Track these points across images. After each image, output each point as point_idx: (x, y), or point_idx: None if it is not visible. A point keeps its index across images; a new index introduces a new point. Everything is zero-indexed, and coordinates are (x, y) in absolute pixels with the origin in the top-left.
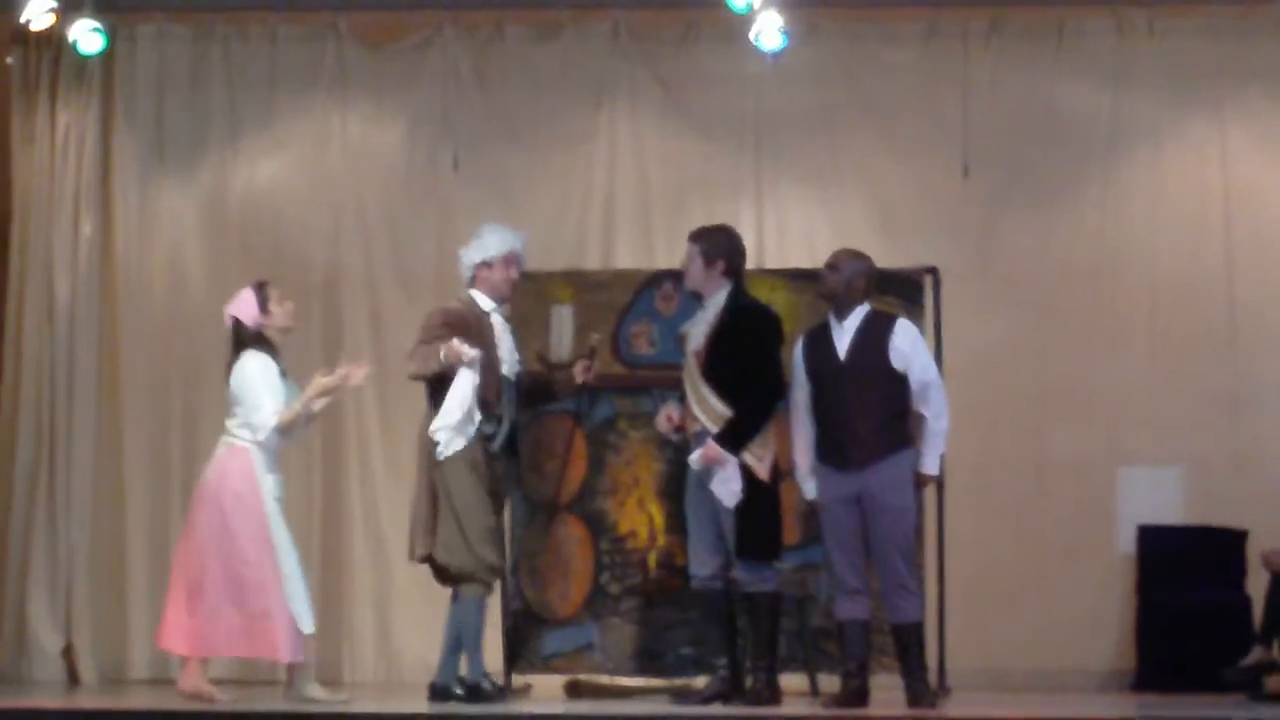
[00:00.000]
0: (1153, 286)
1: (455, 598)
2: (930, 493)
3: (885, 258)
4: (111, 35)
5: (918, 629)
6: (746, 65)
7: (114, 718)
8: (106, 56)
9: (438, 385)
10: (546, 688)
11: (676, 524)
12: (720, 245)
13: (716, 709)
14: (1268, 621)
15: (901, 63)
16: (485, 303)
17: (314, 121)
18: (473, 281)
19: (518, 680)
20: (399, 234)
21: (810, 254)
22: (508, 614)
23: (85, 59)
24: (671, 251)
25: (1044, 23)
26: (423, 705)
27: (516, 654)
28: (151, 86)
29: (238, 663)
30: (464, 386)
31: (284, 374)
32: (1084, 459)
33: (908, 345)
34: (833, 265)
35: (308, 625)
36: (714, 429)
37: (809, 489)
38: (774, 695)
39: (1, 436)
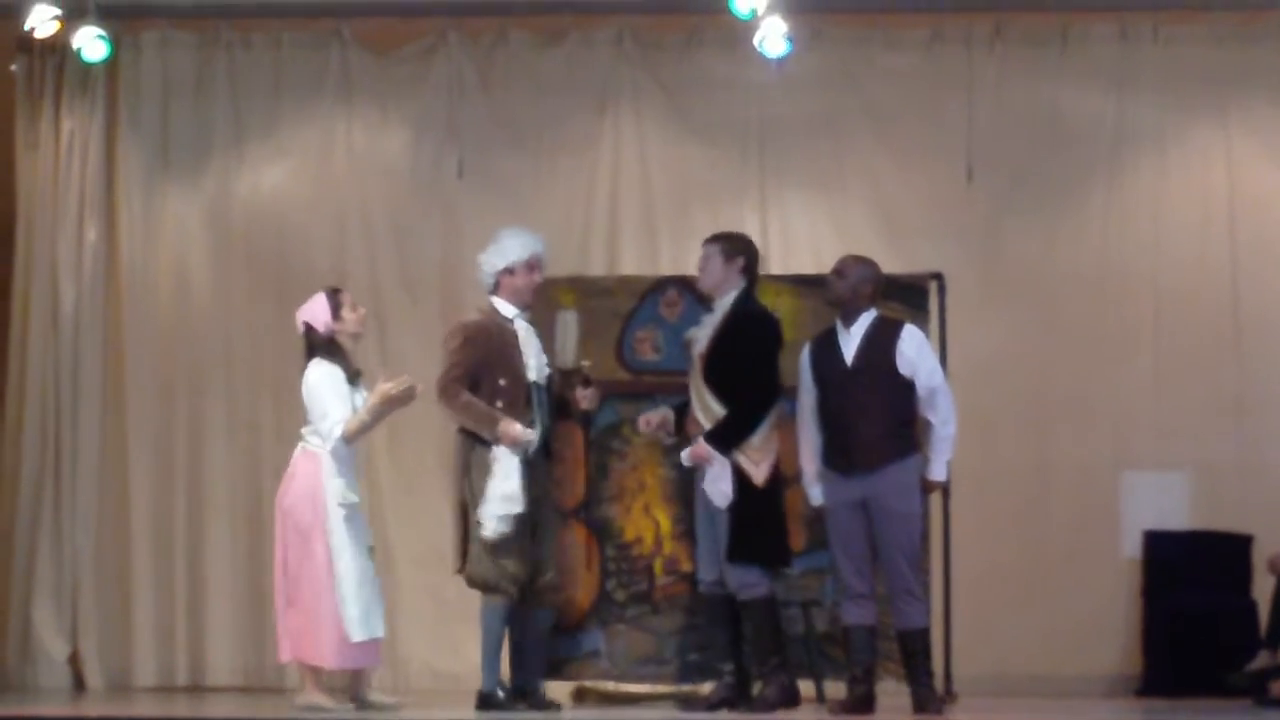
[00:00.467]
0: (1157, 292)
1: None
2: (935, 498)
3: (889, 263)
4: (116, 42)
5: (923, 635)
6: (750, 71)
7: None
8: (111, 63)
9: None
10: (553, 694)
11: (682, 530)
12: (739, 244)
13: (723, 716)
14: (1273, 626)
15: (905, 68)
16: (508, 309)
17: (319, 128)
18: (495, 288)
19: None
20: (404, 240)
21: (814, 259)
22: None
23: (90, 66)
24: (676, 257)
25: (1048, 28)
26: (457, 712)
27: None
28: (156, 93)
29: (241, 670)
30: (510, 471)
31: (355, 379)
32: (1089, 464)
33: (914, 351)
34: (839, 271)
35: (357, 633)
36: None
37: (814, 494)
38: (793, 699)
39: (7, 443)
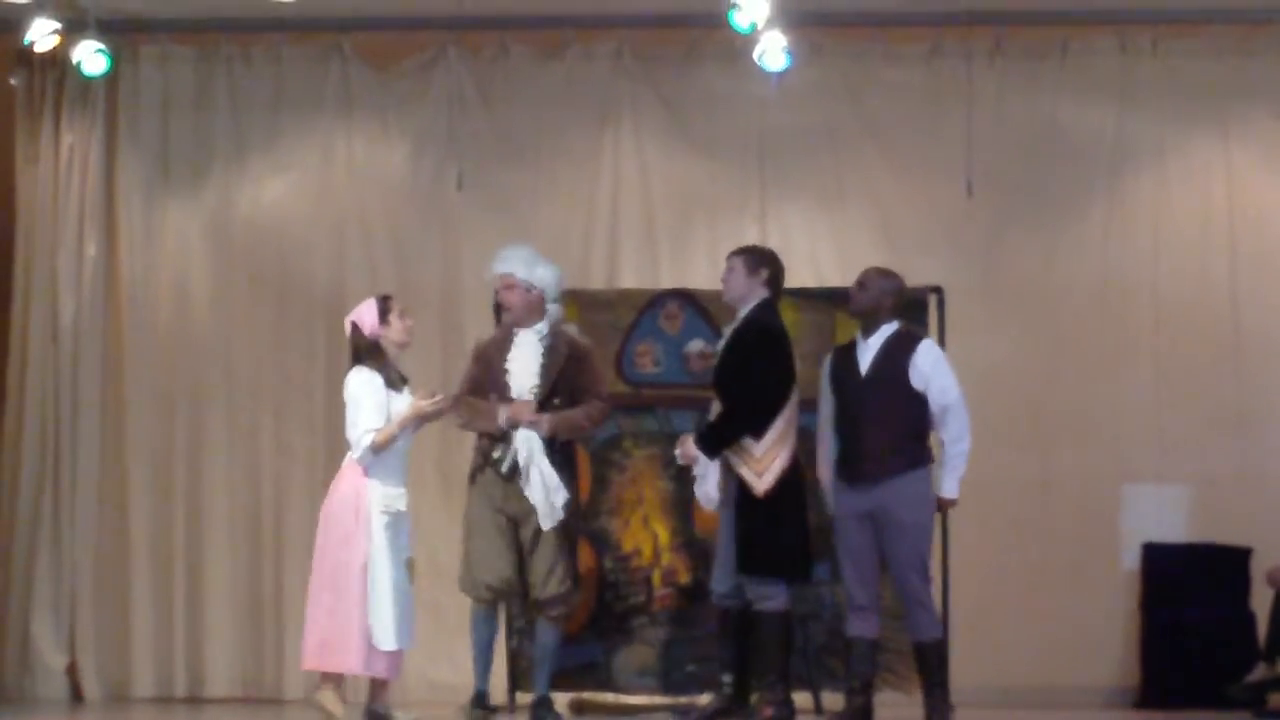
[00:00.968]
0: (1157, 304)
1: None
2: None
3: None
4: (115, 56)
5: (937, 646)
6: (750, 85)
7: None
8: (110, 77)
9: None
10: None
11: (680, 542)
12: (763, 257)
13: None
14: (1272, 639)
15: (905, 82)
16: (509, 324)
17: (319, 142)
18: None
19: (522, 698)
20: (404, 253)
21: (814, 273)
22: (512, 632)
23: (89, 80)
24: (676, 271)
25: (1048, 41)
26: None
27: (521, 672)
28: (156, 107)
29: (239, 681)
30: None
31: (397, 385)
32: (1088, 476)
33: (929, 366)
34: (861, 284)
35: (385, 641)
36: None
37: (830, 504)
38: (789, 714)
39: (6, 455)
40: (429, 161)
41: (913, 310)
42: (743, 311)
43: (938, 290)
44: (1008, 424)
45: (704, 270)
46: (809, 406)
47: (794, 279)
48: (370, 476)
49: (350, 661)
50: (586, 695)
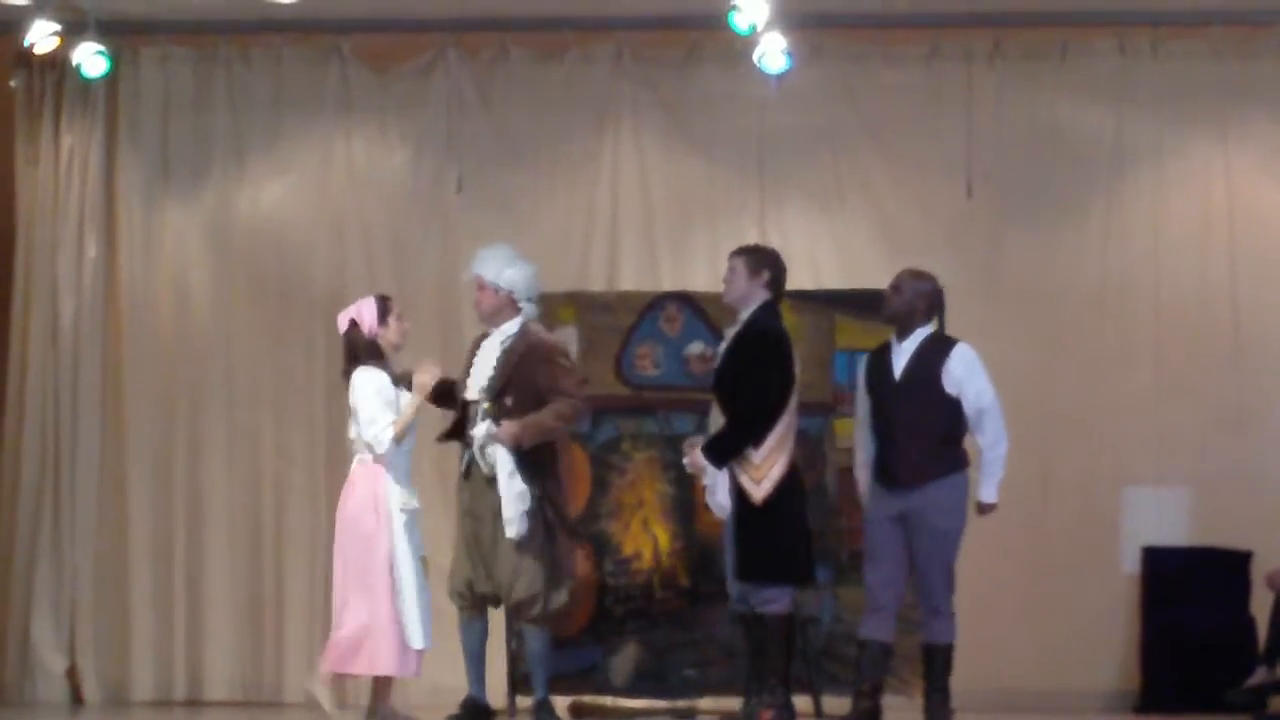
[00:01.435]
0: (1157, 306)
1: None
2: None
3: (889, 278)
4: (115, 58)
5: (946, 651)
6: (750, 87)
7: None
8: (110, 79)
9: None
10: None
11: (681, 545)
12: (766, 257)
13: None
14: (1272, 642)
15: (905, 83)
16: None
17: (318, 144)
18: None
19: (521, 701)
20: (403, 256)
21: (814, 275)
22: (511, 635)
23: (89, 82)
24: (676, 273)
25: (1047, 43)
26: None
27: (520, 675)
28: (155, 109)
29: (239, 684)
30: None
31: (400, 382)
32: (1088, 479)
33: (963, 370)
34: (895, 287)
35: (417, 640)
36: None
37: (865, 505)
38: (790, 717)
39: (6, 457)
40: (428, 163)
41: None
42: (744, 314)
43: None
44: (1007, 425)
45: (704, 272)
46: (810, 410)
47: (794, 281)
48: (387, 476)
49: (384, 663)
50: (586, 699)
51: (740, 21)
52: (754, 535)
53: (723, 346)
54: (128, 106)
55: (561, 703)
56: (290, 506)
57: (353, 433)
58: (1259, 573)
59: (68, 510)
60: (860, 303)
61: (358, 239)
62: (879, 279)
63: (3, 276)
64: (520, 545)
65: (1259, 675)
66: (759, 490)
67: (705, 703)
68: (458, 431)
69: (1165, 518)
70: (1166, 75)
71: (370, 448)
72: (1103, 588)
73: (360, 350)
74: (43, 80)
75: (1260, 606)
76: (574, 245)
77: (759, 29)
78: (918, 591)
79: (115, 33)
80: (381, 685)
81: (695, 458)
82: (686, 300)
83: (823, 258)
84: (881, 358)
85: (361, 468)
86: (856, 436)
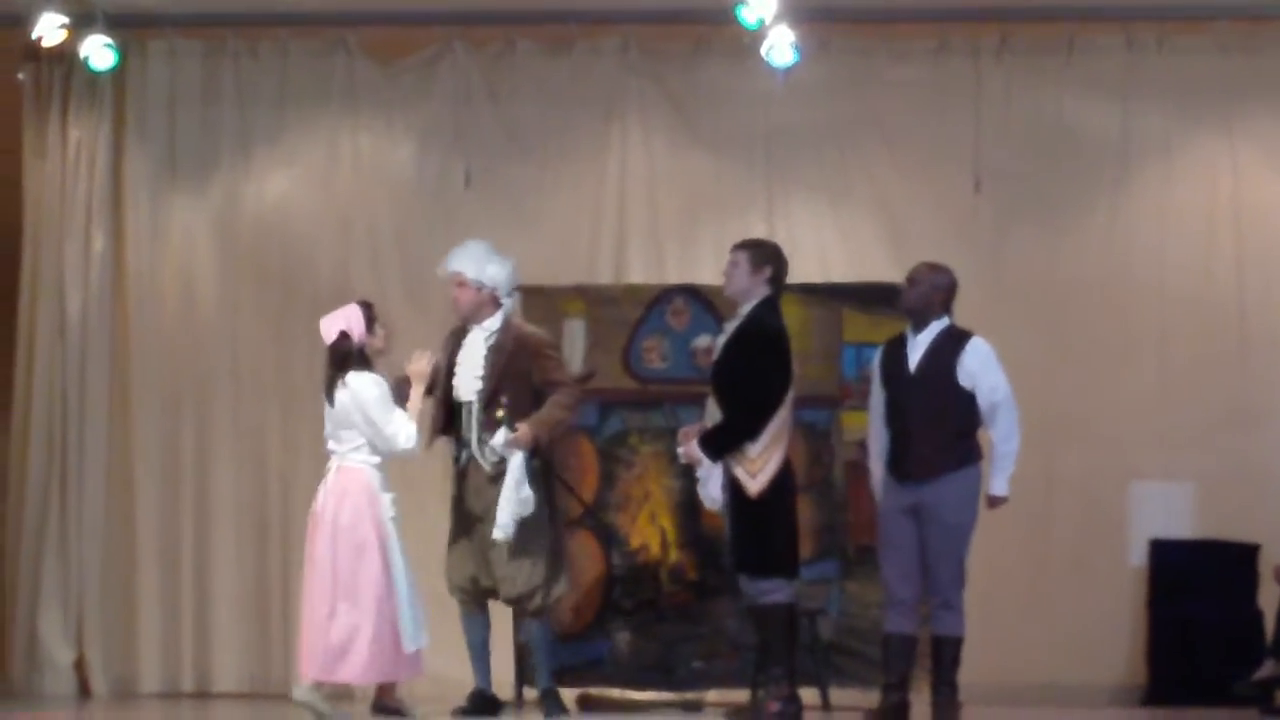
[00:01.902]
0: (1163, 301)
1: None
2: None
3: (896, 273)
4: (123, 51)
5: (955, 644)
6: (757, 81)
7: None
8: (118, 72)
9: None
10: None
11: (688, 538)
12: (768, 253)
13: None
14: (1279, 635)
15: (912, 78)
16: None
17: (325, 137)
18: None
19: (529, 693)
20: (409, 249)
21: (821, 269)
22: (518, 628)
23: (97, 75)
24: (683, 266)
25: (1054, 38)
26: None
27: (528, 667)
28: (163, 102)
29: (246, 677)
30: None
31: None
32: (1095, 473)
33: (977, 364)
34: (912, 280)
35: (410, 642)
36: None
37: (879, 497)
38: (795, 710)
39: (13, 451)
40: (435, 157)
41: None
42: (744, 308)
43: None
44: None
45: (711, 266)
46: (817, 403)
47: (801, 275)
48: (379, 483)
49: (376, 671)
50: (593, 691)
51: (748, 15)
52: (749, 528)
53: (721, 340)
54: (135, 100)
55: (569, 695)
56: (296, 499)
57: (330, 436)
58: (1266, 566)
59: (75, 503)
60: (867, 296)
61: (364, 232)
62: (886, 273)
63: (10, 270)
64: (520, 539)
65: (1266, 668)
66: (754, 483)
67: (712, 695)
68: (447, 428)
69: (1172, 511)
70: (1172, 70)
71: (390, 449)
72: (1109, 581)
73: (350, 358)
74: (50, 73)
75: (1267, 599)
76: (581, 238)
77: (766, 23)
78: (929, 583)
79: (123, 26)
80: (386, 683)
81: (690, 449)
82: (693, 293)
83: (829, 251)
84: (897, 350)
85: (348, 473)
86: (870, 429)
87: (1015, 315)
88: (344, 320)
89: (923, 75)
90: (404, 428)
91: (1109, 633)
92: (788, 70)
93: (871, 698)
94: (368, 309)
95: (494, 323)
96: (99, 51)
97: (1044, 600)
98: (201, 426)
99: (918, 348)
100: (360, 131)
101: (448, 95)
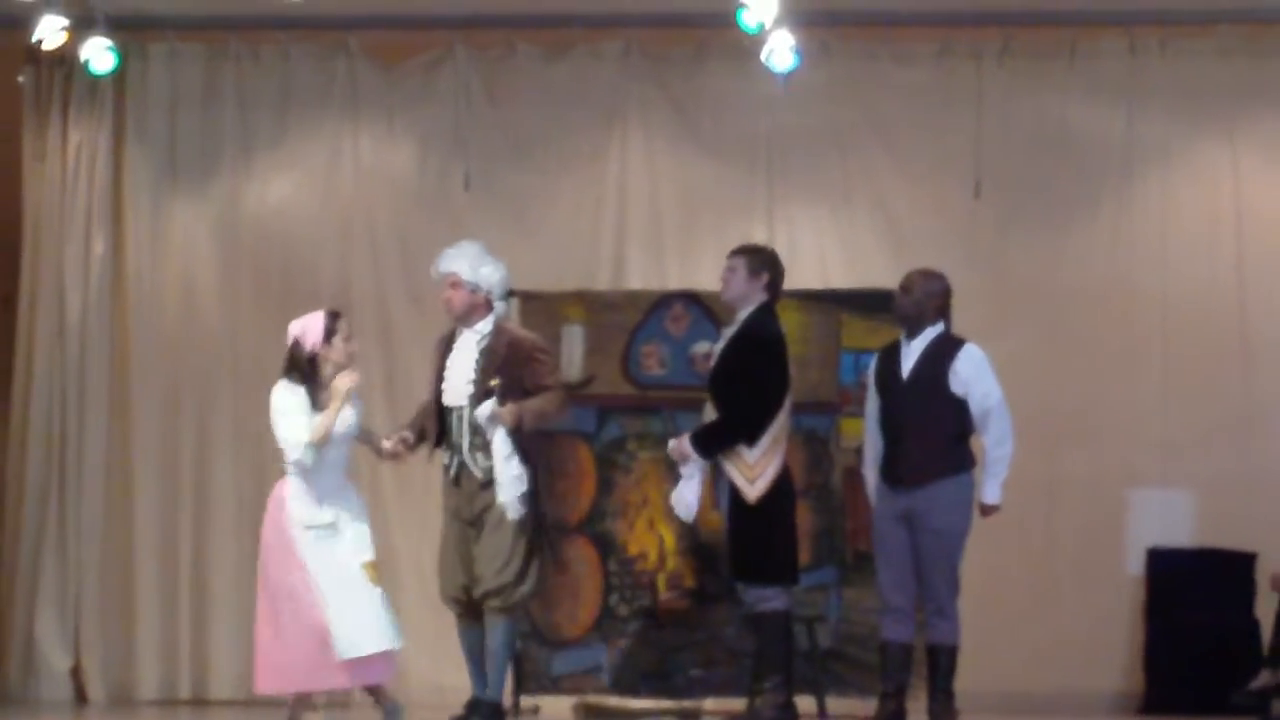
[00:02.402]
0: (1164, 307)
1: None
2: None
3: (896, 278)
4: (124, 54)
5: (950, 652)
6: (758, 85)
7: None
8: (118, 75)
9: None
10: (555, 709)
11: (686, 545)
12: (766, 259)
13: None
14: (1276, 644)
15: (913, 82)
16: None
17: (325, 140)
18: None
19: (526, 701)
20: (410, 252)
21: (821, 274)
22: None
23: (97, 78)
24: (683, 272)
25: (1056, 42)
26: None
27: (525, 674)
28: (163, 105)
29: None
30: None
31: (322, 406)
32: (1094, 480)
33: (970, 371)
34: (905, 287)
35: (352, 649)
36: None
37: (873, 503)
38: (792, 717)
39: (12, 454)
40: (436, 160)
41: None
42: (741, 314)
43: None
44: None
45: (711, 271)
46: (816, 409)
47: (801, 280)
48: (291, 494)
49: (322, 679)
50: (590, 699)
51: (749, 19)
52: (747, 535)
53: (718, 346)
54: (135, 103)
55: (566, 703)
56: None
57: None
58: (1264, 575)
59: (73, 507)
60: (867, 302)
61: (365, 235)
62: (886, 278)
63: (10, 273)
64: (502, 538)
65: (1263, 677)
66: (753, 490)
67: (710, 703)
68: (440, 437)
69: (1171, 519)
70: (1175, 74)
71: (288, 458)
72: (1107, 589)
73: (298, 365)
74: (51, 76)
75: (1265, 608)
76: (581, 243)
77: (767, 27)
78: (922, 591)
79: (123, 29)
80: (371, 687)
81: (680, 444)
82: (693, 299)
83: (830, 257)
84: (891, 357)
85: (278, 487)
86: (865, 436)
87: (1016, 320)
88: (301, 327)
89: (924, 80)
90: (292, 437)
91: (1106, 641)
92: (789, 74)
93: (869, 705)
94: (333, 319)
95: (485, 325)
96: (99, 54)
97: (1042, 608)
98: (201, 430)
99: (911, 354)
100: (361, 135)
101: (448, 99)
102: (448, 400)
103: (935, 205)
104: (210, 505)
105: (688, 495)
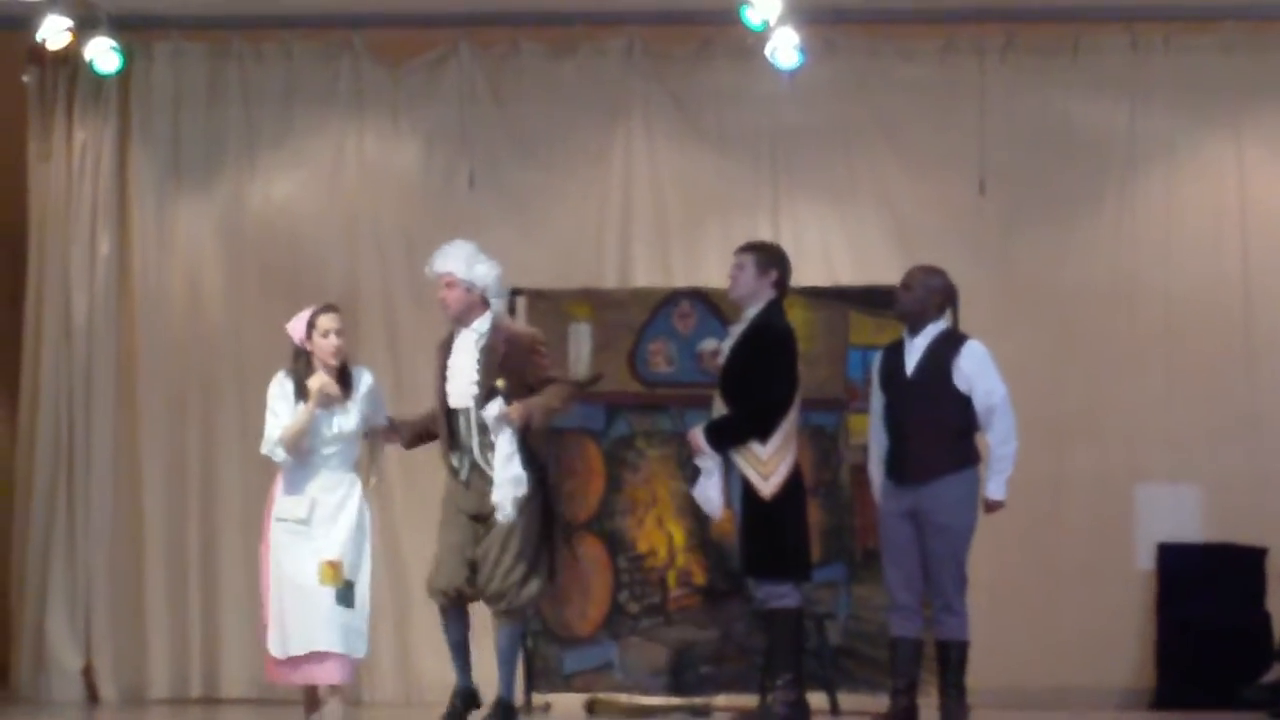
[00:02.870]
0: (1169, 302)
1: None
2: None
3: (901, 274)
4: (128, 54)
5: (960, 648)
6: (762, 82)
7: None
8: (123, 75)
9: None
10: (566, 706)
11: (695, 542)
12: (775, 256)
13: None
14: None
15: (917, 79)
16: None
17: (330, 138)
18: None
19: (537, 699)
20: (415, 251)
21: (827, 271)
22: (527, 633)
23: (102, 77)
24: (688, 269)
25: (1059, 38)
26: None
27: (536, 672)
28: (168, 104)
29: (255, 682)
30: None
31: (301, 395)
32: (1102, 476)
33: (973, 367)
34: (906, 284)
35: (273, 648)
36: None
37: (878, 500)
38: (803, 714)
39: (20, 454)
40: (440, 158)
41: None
42: (750, 311)
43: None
44: (1020, 423)
45: (716, 268)
46: (824, 406)
47: (806, 277)
48: (279, 483)
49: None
50: (601, 696)
51: (753, 16)
52: (761, 531)
53: (728, 343)
54: (140, 102)
55: (577, 700)
56: None
57: None
58: (1274, 569)
59: (82, 507)
60: (873, 299)
61: (369, 234)
62: (892, 275)
63: (16, 273)
64: (508, 538)
65: (1275, 672)
66: (767, 486)
67: (721, 699)
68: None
69: (1179, 515)
70: (1178, 71)
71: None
72: (1117, 584)
73: (294, 357)
74: (55, 76)
75: (1276, 603)
76: (586, 241)
77: (771, 24)
78: (930, 587)
79: (128, 28)
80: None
81: (694, 435)
82: (700, 296)
83: (835, 254)
84: (894, 354)
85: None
86: (870, 433)
87: (1021, 317)
88: (293, 322)
89: (928, 76)
90: (267, 433)
91: (1117, 636)
92: (793, 71)
93: (880, 702)
94: (316, 314)
95: (483, 324)
96: (104, 54)
97: (1052, 603)
98: (208, 428)
99: (914, 351)
100: (366, 133)
101: (453, 97)
102: (453, 403)
103: (940, 201)
104: (218, 503)
105: (711, 492)
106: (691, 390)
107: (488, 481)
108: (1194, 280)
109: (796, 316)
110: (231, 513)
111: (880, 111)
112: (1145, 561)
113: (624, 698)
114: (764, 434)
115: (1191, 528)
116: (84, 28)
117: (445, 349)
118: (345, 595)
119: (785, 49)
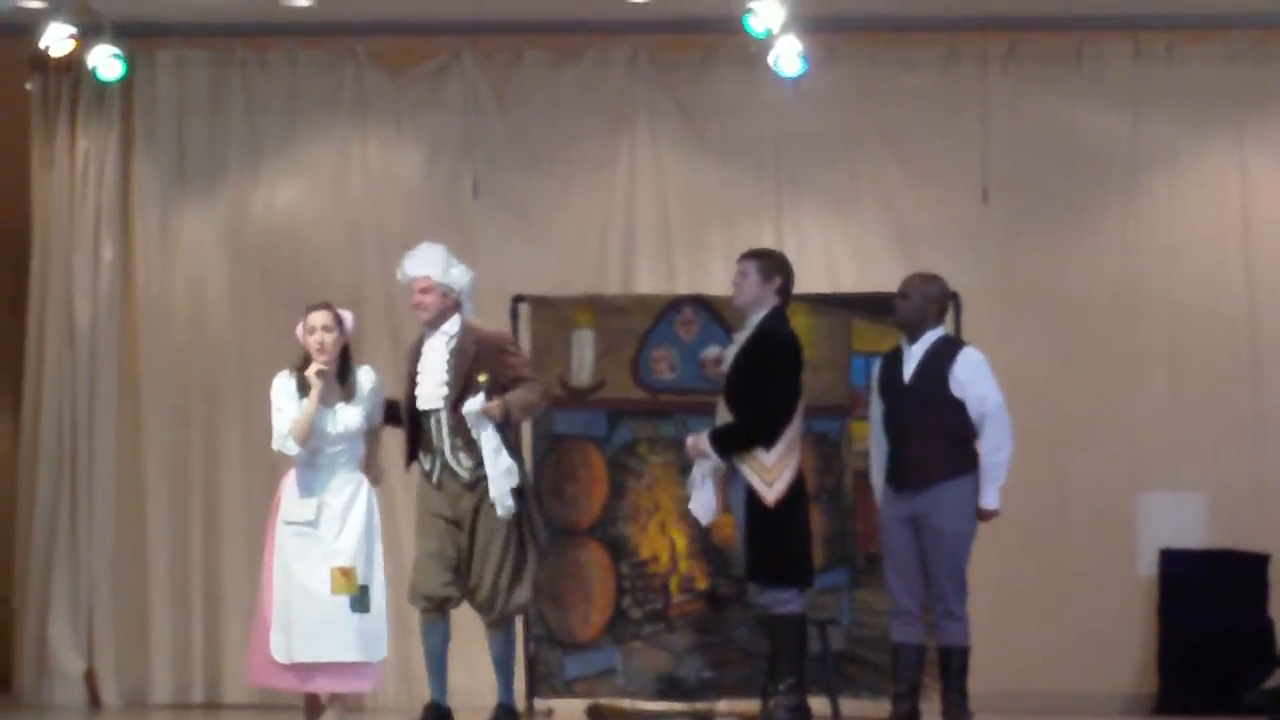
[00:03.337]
0: (1173, 310)
1: None
2: None
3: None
4: (131, 61)
5: (962, 653)
6: (766, 90)
7: None
8: (126, 82)
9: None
10: (568, 712)
11: (698, 548)
12: (778, 263)
13: None
14: None
15: (920, 87)
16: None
17: (333, 146)
18: None
19: (539, 704)
20: None
21: (830, 279)
22: (529, 638)
23: (105, 85)
24: (692, 276)
25: (1062, 46)
26: None
27: (538, 677)
28: (171, 112)
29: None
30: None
31: (304, 390)
32: (1105, 483)
33: (968, 374)
34: (904, 293)
35: (277, 652)
36: None
37: (879, 507)
38: (806, 719)
39: (23, 460)
40: (444, 166)
41: None
42: (754, 319)
43: (953, 295)
44: (1023, 430)
45: (720, 275)
46: (827, 412)
47: (809, 284)
48: (285, 485)
49: (253, 672)
50: (603, 701)
51: (756, 25)
52: (765, 537)
53: (732, 350)
54: (143, 110)
55: (579, 705)
56: None
57: None
58: (1276, 575)
59: (85, 513)
60: (876, 306)
61: (373, 241)
62: (895, 282)
63: (19, 280)
64: (492, 545)
65: (1276, 678)
66: (771, 492)
67: (723, 705)
68: (416, 443)
69: (1182, 521)
70: (1181, 79)
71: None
72: (1120, 591)
73: (301, 355)
74: (58, 83)
75: (1278, 609)
76: (590, 248)
77: (775, 32)
78: (931, 593)
79: (131, 36)
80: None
81: (698, 441)
82: (703, 303)
83: (839, 261)
84: (893, 361)
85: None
86: (871, 439)
87: (1024, 324)
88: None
89: (931, 84)
90: (275, 428)
91: (1119, 642)
92: (796, 79)
93: (882, 707)
94: (306, 311)
95: (452, 326)
96: (107, 62)
97: (1054, 609)
98: (211, 435)
99: (912, 359)
100: (369, 141)
101: (456, 105)
102: (422, 405)
103: (943, 209)
104: (221, 509)
105: (706, 499)
106: (694, 397)
107: (459, 484)
108: (1196, 288)
109: (800, 323)
110: (234, 518)
111: (883, 119)
112: (1148, 568)
113: (626, 703)
114: (769, 441)
115: (1194, 534)
116: (87, 35)
117: (415, 352)
118: (360, 601)
119: (788, 57)
